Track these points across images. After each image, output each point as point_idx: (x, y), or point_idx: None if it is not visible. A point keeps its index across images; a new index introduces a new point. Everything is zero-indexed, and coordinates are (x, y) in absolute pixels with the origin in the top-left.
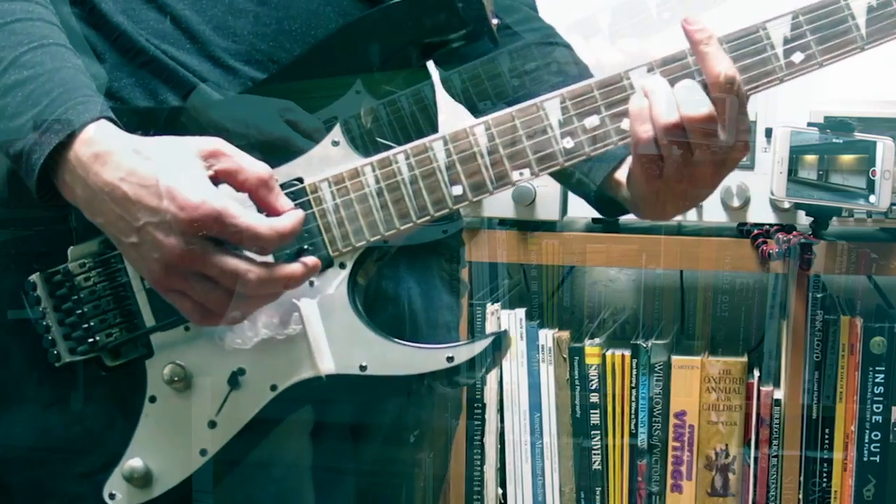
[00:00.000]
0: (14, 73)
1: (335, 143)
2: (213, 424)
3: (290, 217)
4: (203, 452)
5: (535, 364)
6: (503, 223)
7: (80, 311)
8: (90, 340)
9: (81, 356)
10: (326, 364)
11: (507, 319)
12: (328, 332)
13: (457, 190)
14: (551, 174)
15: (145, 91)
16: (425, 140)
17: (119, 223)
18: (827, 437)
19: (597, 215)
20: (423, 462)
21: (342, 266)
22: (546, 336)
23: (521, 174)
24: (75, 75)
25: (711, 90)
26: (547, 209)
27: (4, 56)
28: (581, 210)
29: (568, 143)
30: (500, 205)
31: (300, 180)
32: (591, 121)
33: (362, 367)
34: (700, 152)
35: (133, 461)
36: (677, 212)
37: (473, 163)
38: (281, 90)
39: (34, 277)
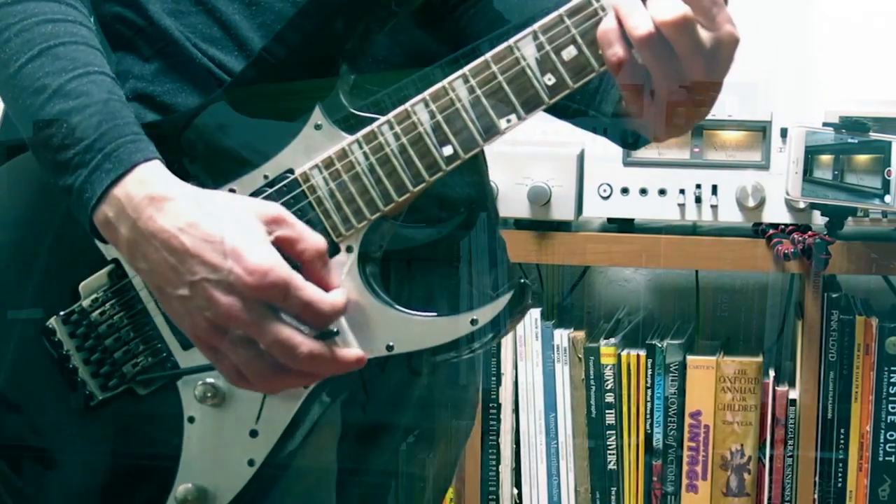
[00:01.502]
0: (59, 103)
1: (318, 127)
2: (254, 433)
3: (343, 294)
4: (251, 462)
5: (551, 364)
6: (518, 223)
7: (102, 347)
8: (118, 374)
9: (113, 391)
10: (353, 352)
11: (523, 320)
12: (349, 319)
13: (447, 150)
14: (566, 116)
15: (188, 95)
16: (406, 105)
17: (169, 273)
18: (842, 437)
19: (612, 215)
20: (426, 462)
21: (349, 250)
22: (561, 336)
23: (508, 121)
24: (122, 110)
25: None
26: (562, 209)
27: (48, 83)
28: (596, 210)
29: (549, 79)
30: (515, 205)
31: (291, 171)
32: (569, 52)
33: (389, 347)
34: (687, 56)
35: (185, 485)
36: (687, 123)
37: (459, 119)
38: (255, 84)
39: (52, 322)
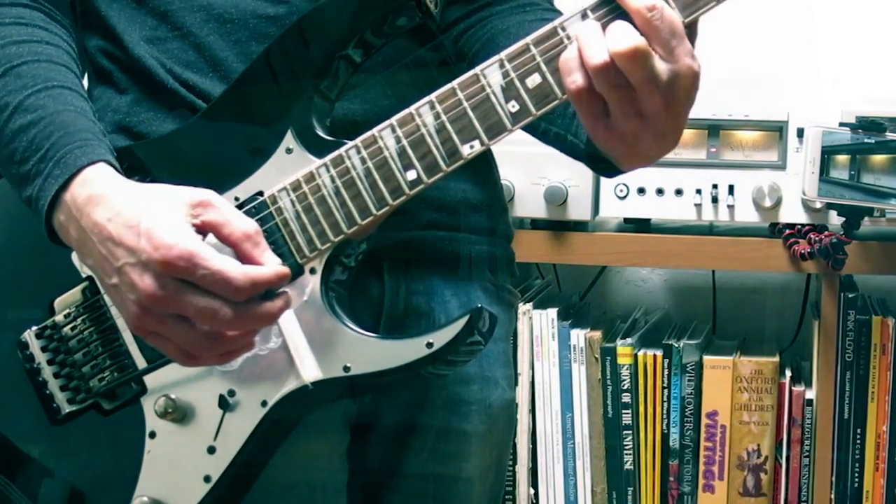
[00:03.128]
0: (19, 118)
1: (289, 151)
2: (212, 450)
3: (270, 268)
4: (207, 479)
5: (567, 364)
6: (535, 223)
7: (71, 361)
8: (86, 388)
9: (79, 405)
10: (310, 372)
11: (539, 320)
12: (309, 339)
13: (411, 175)
14: (548, 140)
15: (163, 125)
16: (374, 130)
17: (103, 264)
18: (858, 437)
19: (629, 215)
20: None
21: (312, 272)
22: (578, 336)
23: (471, 147)
24: (76, 118)
25: (636, 21)
26: (579, 209)
27: (10, 101)
28: (613, 210)
29: (513, 106)
30: (531, 205)
31: (261, 193)
32: (533, 79)
33: (346, 368)
34: (642, 88)
35: (141, 499)
36: (650, 155)
37: (423, 144)
38: (230, 108)
39: (26, 336)
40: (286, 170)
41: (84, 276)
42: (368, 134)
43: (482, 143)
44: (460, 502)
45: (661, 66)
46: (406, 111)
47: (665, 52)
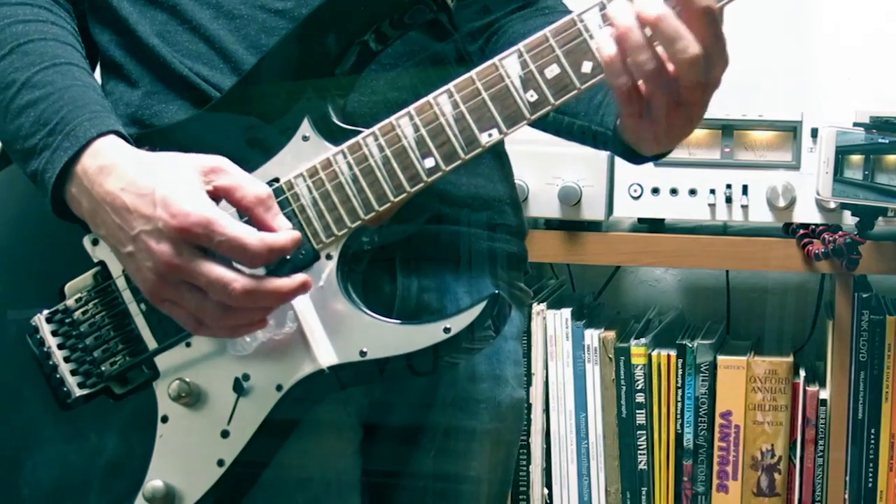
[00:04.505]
0: (27, 94)
1: (305, 139)
2: (226, 434)
3: (285, 234)
4: (220, 463)
5: (581, 364)
6: (549, 223)
7: (82, 346)
8: (97, 372)
9: (90, 389)
10: (326, 356)
11: (553, 320)
12: (324, 324)
13: (429, 163)
14: (573, 135)
15: (176, 116)
16: (392, 118)
17: (118, 233)
18: (872, 437)
19: (643, 215)
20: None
21: (329, 257)
22: (592, 336)
23: (489, 136)
24: (84, 92)
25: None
26: (593, 209)
27: (17, 77)
28: (627, 210)
29: (532, 96)
30: (545, 205)
31: (277, 180)
32: (552, 70)
33: (362, 353)
34: (688, 79)
35: (153, 482)
36: (676, 141)
37: (441, 133)
38: (247, 96)
39: (35, 320)
40: (302, 157)
41: (95, 260)
42: (386, 122)
43: (500, 132)
44: (468, 500)
45: (695, 50)
46: (424, 100)
47: (708, 39)
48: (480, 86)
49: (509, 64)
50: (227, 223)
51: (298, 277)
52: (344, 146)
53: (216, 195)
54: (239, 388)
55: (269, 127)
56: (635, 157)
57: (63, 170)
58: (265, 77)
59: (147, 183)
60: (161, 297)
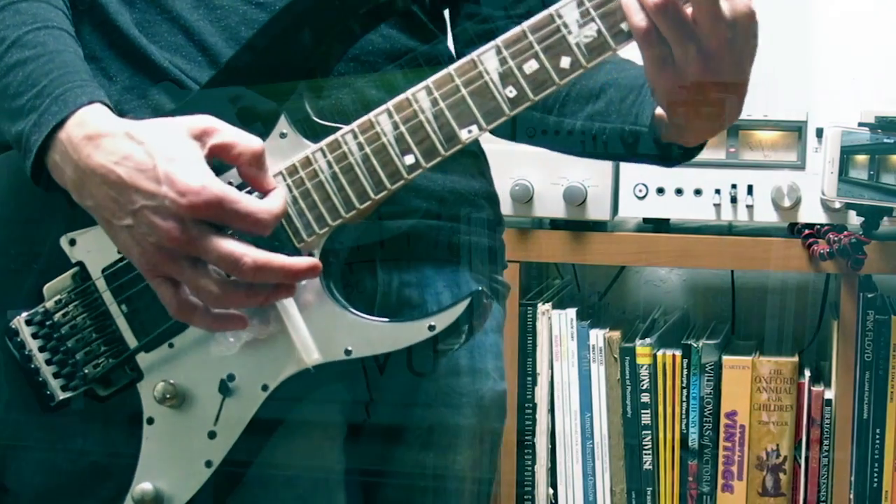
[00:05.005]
0: (16, 53)
1: (283, 136)
2: (212, 435)
3: (279, 197)
4: (209, 464)
5: (586, 364)
6: (554, 223)
7: (64, 348)
8: (79, 374)
9: (73, 391)
10: (311, 355)
11: (558, 320)
12: (308, 323)
13: (409, 159)
14: (605, 142)
15: (155, 112)
16: (370, 115)
17: (112, 206)
18: (878, 437)
19: (648, 215)
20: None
21: (310, 255)
22: (597, 336)
23: (469, 132)
24: (74, 59)
25: None
26: (598, 209)
27: (7, 35)
28: (632, 210)
29: (511, 92)
30: (550, 205)
31: None
32: (530, 66)
33: (347, 352)
34: (704, 21)
35: (142, 486)
36: (713, 126)
37: (421, 129)
38: (222, 93)
39: (15, 323)
40: (281, 154)
41: (74, 261)
42: (365, 119)
43: (480, 128)
44: (453, 494)
45: (721, 2)
46: (402, 96)
47: None
48: (459, 82)
49: (487, 59)
50: (237, 198)
51: (309, 259)
52: (323, 144)
53: (211, 156)
54: (224, 389)
55: (245, 123)
56: (668, 158)
57: (50, 136)
58: (240, 72)
59: (144, 157)
60: (158, 271)
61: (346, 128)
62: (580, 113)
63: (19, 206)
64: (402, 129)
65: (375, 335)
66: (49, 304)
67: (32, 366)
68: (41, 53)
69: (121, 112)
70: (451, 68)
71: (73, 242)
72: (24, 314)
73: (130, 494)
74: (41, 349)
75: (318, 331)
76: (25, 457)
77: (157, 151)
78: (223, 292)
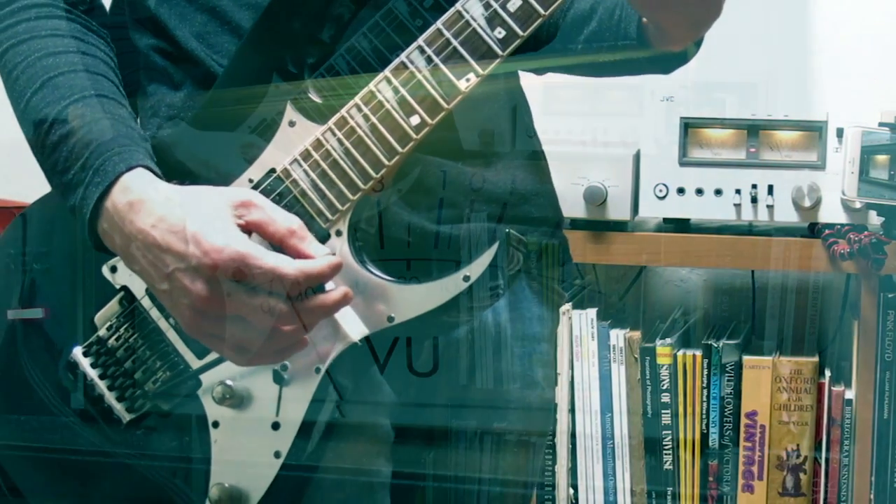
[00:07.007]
0: (58, 129)
1: (292, 124)
2: (276, 426)
3: (322, 260)
4: (277, 454)
5: (607, 364)
6: (574, 223)
7: (122, 371)
8: (141, 393)
9: (139, 411)
10: (356, 330)
11: (579, 320)
12: None
13: (415, 120)
14: (601, 61)
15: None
16: (370, 85)
17: (151, 270)
18: None
19: (668, 215)
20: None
21: (339, 234)
22: (617, 336)
23: (467, 80)
24: (113, 125)
25: None
26: (618, 209)
27: (49, 112)
28: (652, 210)
29: (500, 33)
30: (571, 205)
31: (273, 171)
32: (514, 3)
33: (390, 319)
34: None
35: (218, 487)
36: (693, 25)
37: (421, 89)
38: (232, 82)
39: (73, 356)
40: (293, 142)
41: (117, 286)
42: (365, 90)
43: (477, 75)
44: (496, 500)
45: None
46: (397, 60)
47: None
48: (449, 34)
49: (472, 6)
50: (261, 254)
51: (340, 290)
52: (330, 123)
53: (248, 229)
54: (279, 378)
55: (255, 118)
56: (668, 61)
57: (95, 206)
58: (241, 70)
59: (177, 219)
60: (201, 332)
61: (349, 103)
62: (578, 37)
63: (59, 244)
64: (403, 92)
65: (414, 297)
66: (101, 331)
67: (96, 394)
68: (80, 126)
69: (186, 119)
70: (439, 23)
71: (114, 269)
72: (80, 347)
73: (208, 497)
74: (101, 377)
75: (358, 305)
76: (103, 481)
77: (189, 213)
78: (270, 340)
